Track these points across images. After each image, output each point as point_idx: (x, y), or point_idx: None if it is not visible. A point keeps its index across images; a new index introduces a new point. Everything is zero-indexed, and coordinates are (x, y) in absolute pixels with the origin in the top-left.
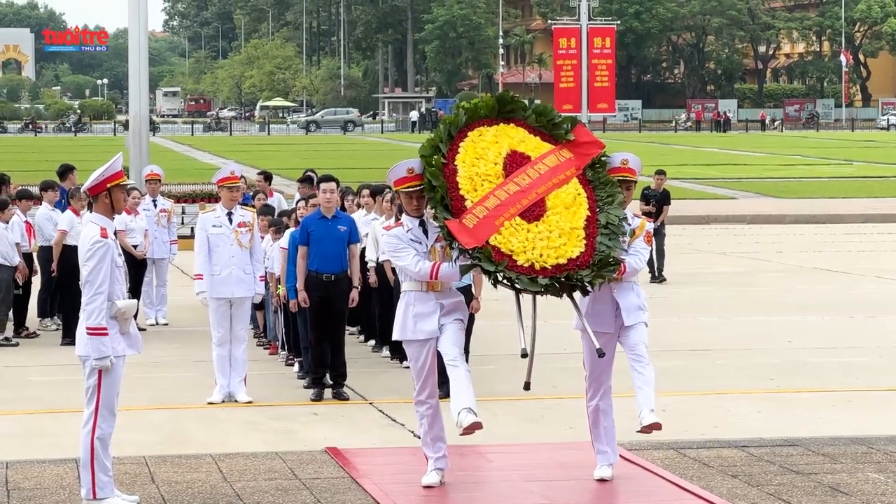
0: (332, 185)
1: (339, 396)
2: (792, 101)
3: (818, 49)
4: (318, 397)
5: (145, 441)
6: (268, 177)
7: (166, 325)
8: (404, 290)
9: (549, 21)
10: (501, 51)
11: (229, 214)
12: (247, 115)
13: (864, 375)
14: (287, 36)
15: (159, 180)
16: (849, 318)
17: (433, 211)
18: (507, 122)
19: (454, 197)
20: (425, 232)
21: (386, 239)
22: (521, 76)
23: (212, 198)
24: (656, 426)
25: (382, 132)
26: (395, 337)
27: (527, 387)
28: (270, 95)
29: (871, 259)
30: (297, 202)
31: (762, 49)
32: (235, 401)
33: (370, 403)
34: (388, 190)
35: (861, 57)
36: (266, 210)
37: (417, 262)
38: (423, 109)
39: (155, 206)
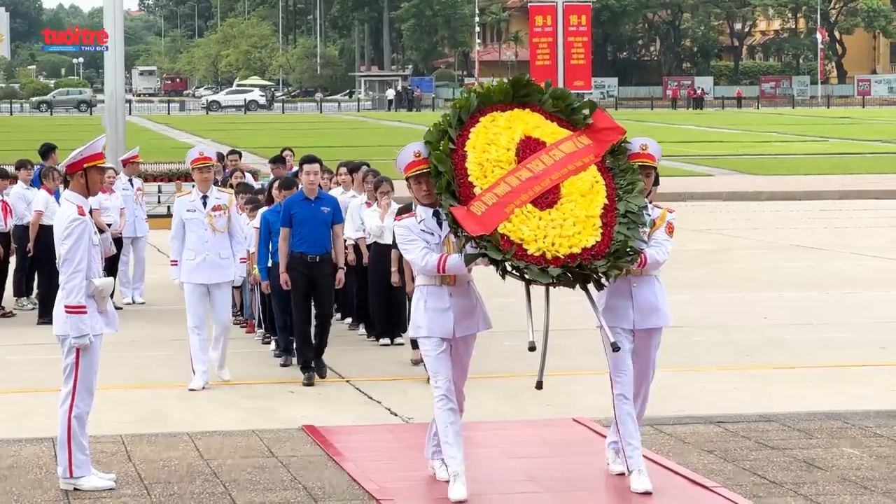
0: (316, 166)
1: (319, 370)
2: (768, 77)
3: (794, 26)
4: (310, 381)
5: (122, 420)
6: (238, 154)
7: (143, 303)
8: (418, 285)
9: None
10: (478, 29)
11: (204, 198)
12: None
13: (840, 351)
14: (263, 14)
15: (138, 162)
16: (825, 294)
17: (439, 198)
18: (522, 108)
19: (463, 184)
20: (440, 223)
21: (397, 230)
22: (497, 54)
23: (188, 177)
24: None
25: (359, 110)
26: (410, 334)
27: (539, 385)
28: (247, 74)
29: (847, 235)
30: (270, 183)
31: (738, 26)
32: (220, 377)
33: (347, 381)
34: (365, 168)
35: (836, 34)
36: (244, 188)
37: (425, 255)
38: (399, 88)
39: (132, 185)
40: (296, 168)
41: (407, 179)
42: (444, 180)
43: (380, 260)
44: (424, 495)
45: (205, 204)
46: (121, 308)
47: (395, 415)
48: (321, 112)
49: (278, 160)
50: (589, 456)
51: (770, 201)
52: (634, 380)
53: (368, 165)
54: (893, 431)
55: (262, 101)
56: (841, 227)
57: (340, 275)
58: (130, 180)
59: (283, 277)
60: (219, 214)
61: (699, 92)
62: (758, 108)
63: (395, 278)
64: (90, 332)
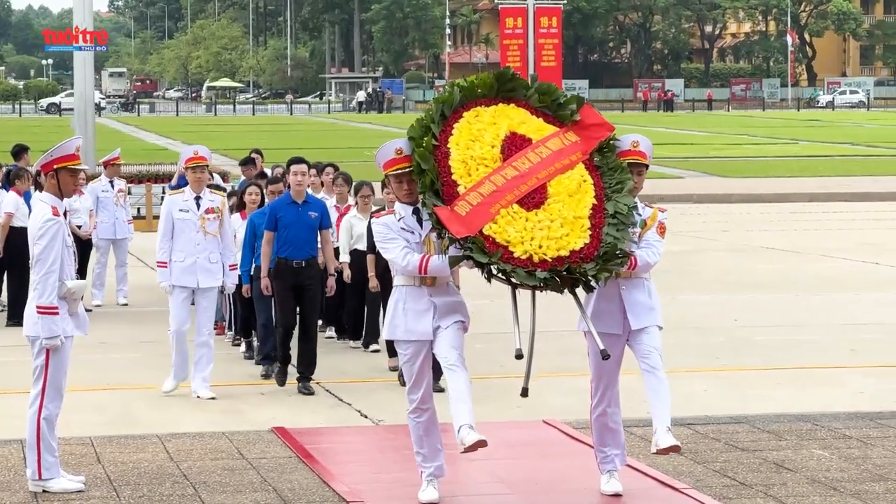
0: (304, 166)
1: (306, 390)
2: (738, 80)
3: (764, 29)
4: (283, 381)
5: (91, 422)
6: None
7: (126, 305)
8: (396, 285)
9: (496, 1)
10: (448, 31)
11: (197, 199)
12: (193, 95)
13: (810, 353)
14: (233, 16)
15: (119, 164)
16: (795, 296)
17: (422, 197)
18: (507, 102)
19: (446, 182)
20: (420, 221)
21: (375, 228)
22: (467, 56)
23: (159, 178)
24: (675, 448)
25: (329, 112)
26: (385, 336)
27: (524, 393)
28: (217, 76)
29: (817, 238)
30: (244, 185)
31: (708, 29)
32: (198, 396)
33: (317, 383)
34: (329, 168)
35: (807, 36)
36: (216, 189)
37: (406, 254)
38: (369, 90)
39: (112, 186)
40: (267, 170)
41: (386, 177)
42: (427, 178)
43: (356, 266)
44: (395, 497)
45: (198, 205)
46: (90, 310)
47: (366, 417)
48: (291, 114)
49: (248, 162)
50: (559, 458)
51: (740, 203)
52: (645, 373)
53: (336, 167)
54: (862, 433)
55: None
56: (811, 229)
57: (331, 282)
58: (111, 182)
59: (265, 283)
60: (212, 217)
61: (668, 94)
62: (728, 110)
63: (372, 283)
64: (61, 333)
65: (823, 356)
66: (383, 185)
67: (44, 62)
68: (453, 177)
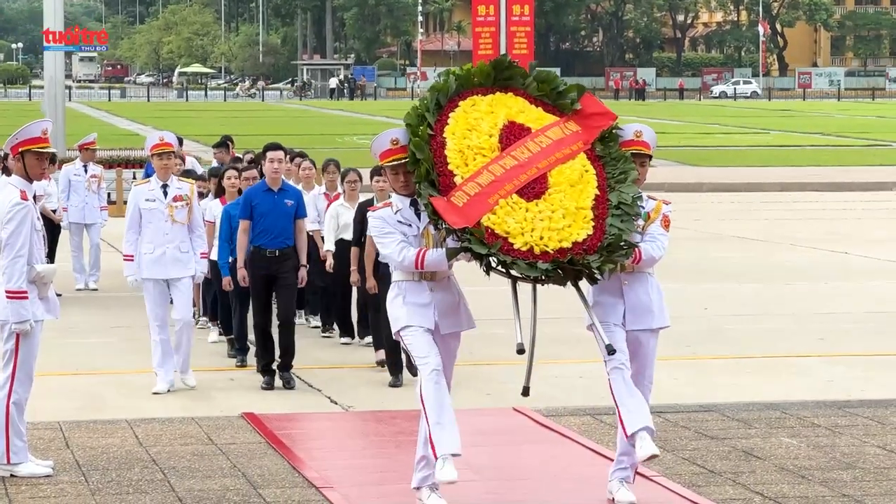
0: (280, 153)
1: (287, 383)
2: (710, 69)
3: (736, 18)
4: (270, 385)
5: (60, 407)
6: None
7: (96, 290)
8: (394, 280)
9: None
10: (420, 18)
11: (164, 187)
12: (165, 81)
13: (779, 342)
14: (205, 2)
15: (94, 149)
16: (765, 285)
17: (417, 187)
18: (505, 91)
19: (442, 173)
20: (418, 213)
21: (371, 221)
22: (439, 44)
23: (129, 163)
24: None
25: (301, 99)
26: (393, 329)
27: (525, 392)
28: (189, 62)
29: (787, 227)
30: (224, 169)
31: (680, 18)
32: (185, 384)
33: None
34: (297, 158)
35: (778, 26)
36: (187, 175)
37: (402, 249)
38: (341, 76)
39: (86, 171)
40: (238, 154)
41: (382, 168)
42: (423, 168)
43: (341, 257)
44: (364, 482)
45: (165, 193)
46: (60, 295)
47: (336, 403)
48: (263, 100)
49: (221, 144)
50: (527, 445)
51: (711, 192)
52: (640, 373)
53: (305, 156)
54: (831, 421)
55: None
56: (781, 218)
57: (303, 272)
58: (85, 166)
59: (241, 273)
60: (180, 205)
61: (640, 83)
62: (700, 99)
63: (354, 277)
64: (31, 317)
65: (792, 345)
66: (373, 174)
67: (13, 46)
68: (449, 167)
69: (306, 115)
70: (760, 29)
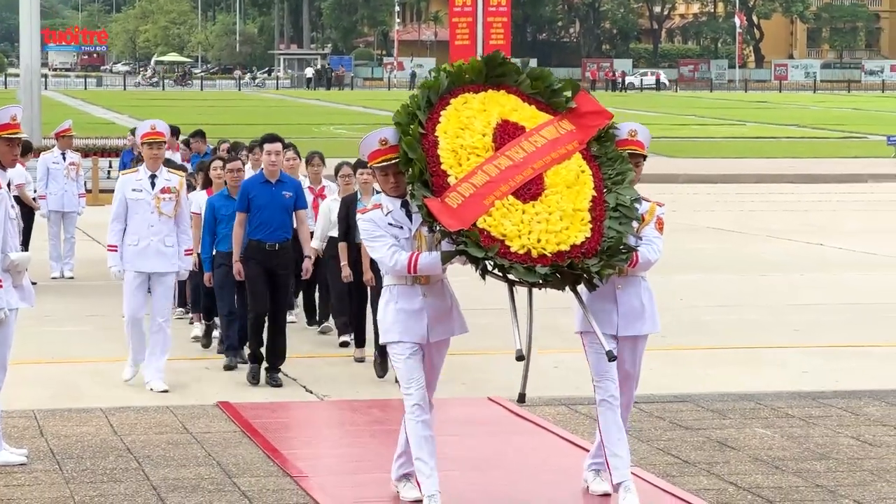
0: (278, 145)
1: (274, 382)
2: (686, 61)
3: (712, 10)
4: (256, 377)
5: (35, 395)
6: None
7: (72, 278)
8: (386, 285)
9: None
10: (397, 8)
11: (153, 178)
12: (141, 69)
13: (754, 333)
14: None
15: (71, 136)
16: (740, 276)
17: (410, 188)
18: (497, 88)
19: (435, 173)
20: (409, 215)
21: (361, 224)
22: (416, 34)
23: (105, 152)
24: None
25: (278, 88)
26: (381, 341)
27: (521, 399)
28: (165, 50)
29: (763, 219)
30: (208, 161)
31: (657, 9)
32: (151, 389)
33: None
34: (285, 147)
35: (755, 18)
36: (169, 166)
37: (393, 253)
38: (318, 66)
39: (64, 158)
40: (212, 146)
41: (372, 169)
42: (416, 168)
43: (333, 254)
44: (339, 472)
45: (153, 185)
46: (35, 283)
47: (311, 392)
48: (240, 90)
49: (197, 134)
50: (503, 436)
51: (687, 184)
52: (625, 382)
53: (289, 146)
54: (805, 412)
55: None
56: (757, 210)
57: (307, 264)
58: (63, 154)
59: (237, 268)
60: (167, 198)
61: (620, 74)
62: (676, 91)
63: (345, 272)
64: (6, 305)
65: (767, 336)
66: (355, 169)
67: None
68: (443, 167)
69: (283, 105)
70: (737, 20)
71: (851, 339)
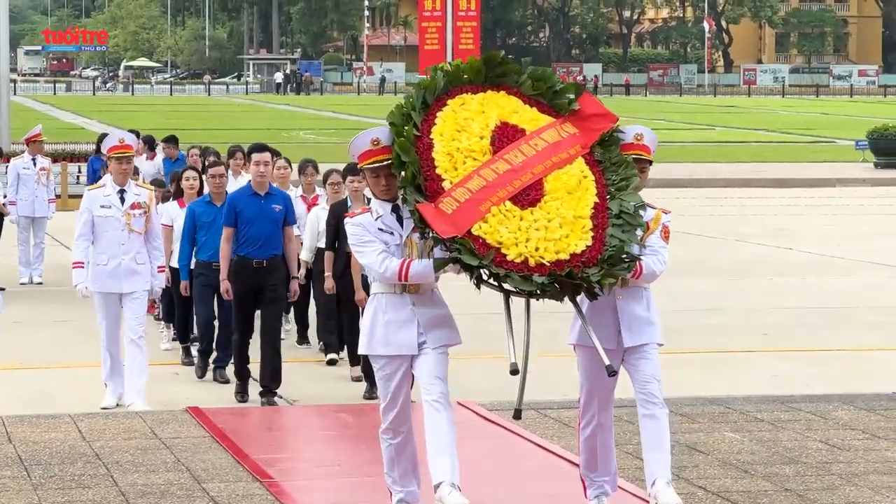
0: (267, 155)
1: (270, 404)
2: (656, 65)
3: (682, 15)
4: (244, 399)
5: (3, 401)
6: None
7: (41, 283)
8: (374, 293)
9: None
10: (367, 13)
11: (121, 193)
12: (111, 74)
13: (723, 337)
14: None
15: (42, 140)
16: (710, 280)
17: (402, 193)
18: (497, 89)
19: (429, 177)
20: (400, 220)
21: (349, 229)
22: (386, 38)
23: (74, 157)
24: None
25: (247, 93)
26: (361, 350)
27: (517, 415)
28: (135, 55)
29: (732, 223)
30: (181, 170)
31: (627, 14)
32: (130, 407)
33: (232, 363)
34: (275, 155)
35: (723, 23)
36: (156, 185)
37: (383, 259)
38: (287, 71)
39: (34, 164)
40: (182, 153)
41: (362, 171)
42: (409, 172)
43: (321, 269)
44: (308, 476)
45: (122, 200)
46: (3, 289)
47: (280, 397)
48: (209, 94)
49: (170, 139)
50: (472, 440)
51: (656, 188)
52: (642, 403)
53: (279, 154)
54: (773, 416)
55: None
56: (726, 214)
57: (294, 285)
58: (33, 159)
59: (224, 286)
60: (138, 213)
61: (593, 80)
62: (646, 95)
63: (328, 284)
64: None
65: (736, 340)
66: (345, 176)
67: None
68: (437, 170)
69: (252, 110)
70: (706, 25)
71: (821, 342)
